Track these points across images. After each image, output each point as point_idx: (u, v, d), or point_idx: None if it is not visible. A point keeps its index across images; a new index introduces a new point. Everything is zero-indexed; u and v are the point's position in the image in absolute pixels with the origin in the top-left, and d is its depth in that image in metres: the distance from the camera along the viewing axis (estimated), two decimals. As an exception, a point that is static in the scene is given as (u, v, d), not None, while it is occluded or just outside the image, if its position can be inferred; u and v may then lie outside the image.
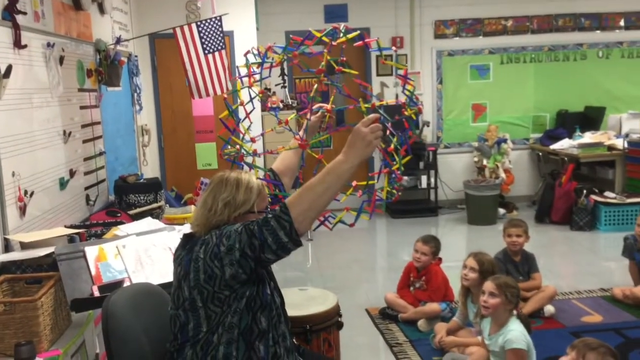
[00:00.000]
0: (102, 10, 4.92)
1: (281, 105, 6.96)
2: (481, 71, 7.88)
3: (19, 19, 3.18)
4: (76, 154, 4.12)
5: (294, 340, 2.37)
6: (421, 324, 4.13)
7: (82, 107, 4.28)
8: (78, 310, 2.45)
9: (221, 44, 5.26)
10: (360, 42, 2.24)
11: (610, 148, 6.90)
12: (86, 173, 4.31)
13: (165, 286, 2.37)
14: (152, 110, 6.68)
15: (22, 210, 3.16)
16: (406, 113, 2.28)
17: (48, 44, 3.63)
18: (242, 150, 2.46)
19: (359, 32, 2.27)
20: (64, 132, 3.89)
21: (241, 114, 2.48)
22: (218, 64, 5.26)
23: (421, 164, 7.44)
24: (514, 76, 7.89)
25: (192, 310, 2.00)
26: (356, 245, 6.55)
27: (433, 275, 4.26)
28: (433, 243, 4.31)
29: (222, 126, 2.43)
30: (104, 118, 4.79)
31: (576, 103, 7.84)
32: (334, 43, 2.23)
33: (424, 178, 7.53)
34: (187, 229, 2.40)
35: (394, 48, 2.54)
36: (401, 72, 2.32)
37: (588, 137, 7.15)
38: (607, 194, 6.57)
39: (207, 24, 5.19)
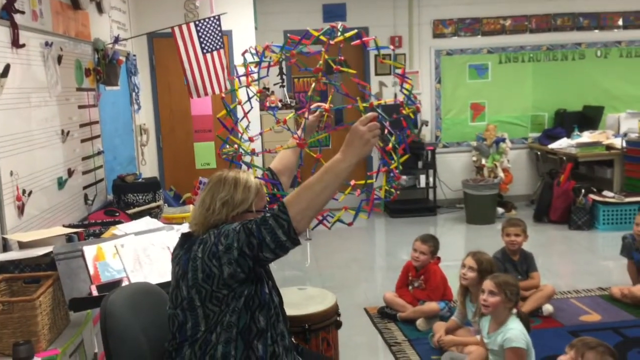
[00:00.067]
0: (100, 9, 4.92)
1: (280, 104, 6.96)
2: (480, 70, 7.88)
3: (17, 18, 3.17)
4: (74, 154, 4.11)
5: (293, 339, 2.37)
6: (420, 323, 4.13)
7: (80, 107, 4.27)
8: (76, 309, 2.45)
9: (219, 43, 5.25)
10: (357, 41, 2.24)
11: (609, 147, 6.90)
12: (84, 172, 4.31)
13: (163, 285, 2.37)
14: (150, 109, 6.68)
15: (20, 210, 3.16)
16: (404, 112, 2.28)
17: (46, 43, 3.63)
18: (241, 150, 2.46)
19: (356, 31, 2.27)
20: (62, 131, 3.88)
21: (239, 113, 2.48)
22: (216, 63, 5.26)
23: (420, 164, 7.44)
24: (512, 75, 7.89)
25: (190, 309, 2.00)
26: (355, 245, 6.55)
27: (432, 275, 4.26)
28: (432, 242, 4.31)
29: (221, 125, 2.43)
30: (102, 117, 4.79)
31: (574, 102, 7.84)
32: (331, 42, 2.23)
33: (422, 177, 7.53)
34: (185, 228, 2.40)
35: (391, 47, 2.54)
36: (399, 71, 2.32)
37: (586, 137, 7.15)
38: (605, 193, 6.57)
39: (205, 24, 5.18)
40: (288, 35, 2.43)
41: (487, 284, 3.23)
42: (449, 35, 7.82)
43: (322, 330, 2.86)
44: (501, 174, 7.32)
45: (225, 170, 2.18)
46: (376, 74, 7.78)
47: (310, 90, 2.38)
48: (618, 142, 6.84)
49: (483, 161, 7.45)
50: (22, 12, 3.27)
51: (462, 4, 7.74)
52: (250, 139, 2.50)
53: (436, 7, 7.74)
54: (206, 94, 5.31)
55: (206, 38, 5.18)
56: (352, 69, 2.30)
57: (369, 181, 2.33)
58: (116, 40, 5.08)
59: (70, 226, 3.49)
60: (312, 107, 2.58)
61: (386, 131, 2.31)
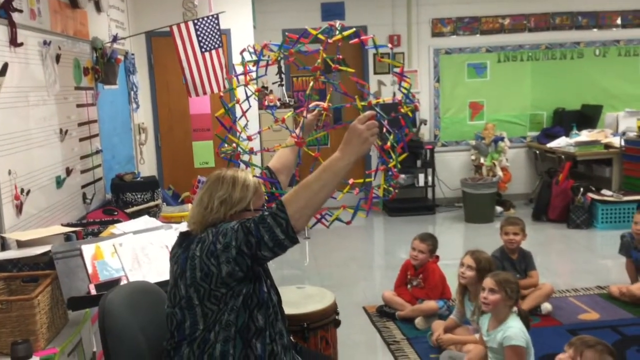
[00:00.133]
0: (98, 8, 4.91)
1: (278, 103, 6.96)
2: (478, 69, 7.88)
3: (15, 16, 3.17)
4: (73, 152, 4.11)
5: (292, 338, 2.37)
6: (418, 321, 4.13)
7: (78, 105, 4.27)
8: (75, 308, 2.45)
9: (218, 42, 5.25)
10: (356, 40, 2.24)
11: (607, 146, 6.90)
12: (83, 171, 4.30)
13: (162, 284, 2.36)
14: (149, 108, 6.68)
15: (19, 209, 3.15)
16: (402, 110, 2.28)
17: (44, 42, 3.62)
18: (239, 149, 2.46)
19: (354, 29, 2.27)
20: (61, 130, 3.88)
21: (238, 112, 2.48)
22: (215, 62, 5.25)
23: (418, 162, 7.45)
24: (511, 74, 7.90)
25: (188, 308, 1.99)
26: (353, 244, 6.55)
27: (430, 273, 4.26)
28: (430, 241, 4.31)
29: (219, 124, 2.43)
30: (100, 116, 4.79)
31: (573, 101, 7.84)
32: (329, 41, 2.23)
33: (421, 176, 7.53)
34: (183, 227, 2.39)
35: (389, 46, 2.55)
36: (397, 69, 2.32)
37: (585, 135, 7.15)
38: (604, 192, 6.58)
39: (204, 22, 5.18)
40: (286, 34, 2.43)
41: (488, 282, 3.23)
42: (447, 34, 7.82)
43: (321, 329, 2.86)
44: (500, 173, 7.32)
45: (224, 169, 2.18)
46: (375, 73, 7.77)
47: (308, 89, 2.38)
48: (616, 141, 6.84)
49: (482, 160, 7.46)
50: (20, 11, 3.26)
51: (461, 3, 7.74)
52: (249, 138, 2.50)
53: (435, 5, 7.74)
54: (205, 92, 5.31)
55: (205, 37, 5.18)
56: (351, 67, 2.30)
57: (367, 180, 2.33)
58: (114, 39, 5.08)
59: (68, 225, 3.49)
60: (310, 106, 2.58)
61: (384, 130, 2.31)
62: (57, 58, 3.83)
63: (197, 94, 5.30)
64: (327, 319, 2.89)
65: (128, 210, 4.25)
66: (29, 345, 2.13)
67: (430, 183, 7.58)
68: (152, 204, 4.47)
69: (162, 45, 6.47)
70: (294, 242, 1.89)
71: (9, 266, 2.69)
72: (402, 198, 7.54)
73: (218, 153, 2.50)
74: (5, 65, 3.06)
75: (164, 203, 5.01)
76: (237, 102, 2.44)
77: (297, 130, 2.56)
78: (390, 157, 2.28)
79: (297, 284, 3.62)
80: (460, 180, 7.36)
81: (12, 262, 2.70)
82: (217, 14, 5.26)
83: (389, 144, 2.30)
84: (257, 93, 2.61)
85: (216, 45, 5.23)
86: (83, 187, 4.29)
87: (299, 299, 2.99)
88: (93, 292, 2.45)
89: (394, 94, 7.49)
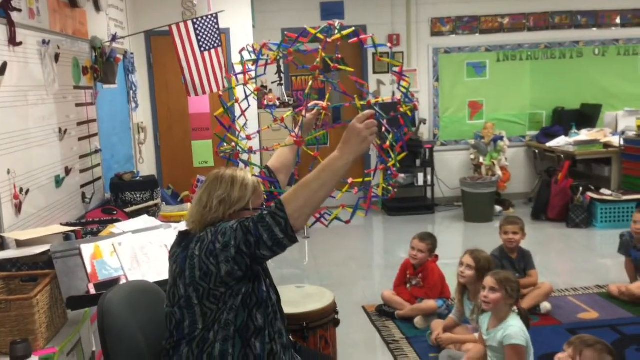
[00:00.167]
0: (97, 7, 4.91)
1: (278, 103, 6.96)
2: (478, 69, 7.88)
3: (14, 16, 3.17)
4: (72, 152, 4.11)
5: (291, 337, 2.37)
6: (418, 321, 4.13)
7: (77, 105, 4.27)
8: (74, 308, 2.45)
9: (217, 41, 5.25)
10: (355, 39, 2.24)
11: (607, 145, 6.91)
12: (82, 171, 4.30)
13: (161, 284, 2.36)
14: (148, 107, 6.68)
15: (18, 208, 3.15)
16: (401, 110, 2.28)
17: (43, 41, 3.62)
18: (238, 148, 2.46)
19: (353, 28, 2.26)
20: (60, 129, 3.88)
21: (237, 111, 2.48)
22: (214, 61, 5.25)
23: (418, 162, 7.45)
24: (510, 74, 7.90)
25: (187, 307, 1.99)
26: (353, 243, 6.55)
27: (430, 273, 4.26)
28: (429, 240, 4.31)
29: (218, 124, 2.43)
30: (99, 116, 4.78)
31: (572, 100, 7.85)
32: (328, 40, 2.23)
33: (420, 175, 7.54)
34: (183, 226, 2.39)
35: (389, 45, 2.54)
36: (397, 69, 2.32)
37: (584, 135, 7.16)
38: (603, 191, 6.58)
39: (203, 22, 5.18)
40: (285, 33, 2.43)
41: (488, 281, 3.23)
42: (447, 33, 7.82)
43: (320, 328, 2.86)
44: (499, 172, 7.32)
45: (223, 168, 2.18)
46: (374, 72, 7.77)
47: (307, 88, 2.38)
48: (616, 140, 6.85)
49: (481, 159, 7.46)
50: (19, 10, 3.26)
51: (460, 2, 7.74)
52: (248, 137, 2.50)
53: (434, 5, 7.74)
54: (204, 92, 5.31)
55: (204, 36, 5.18)
56: (350, 67, 2.29)
57: (366, 179, 2.33)
58: (114, 38, 5.07)
59: (67, 224, 3.48)
60: (309, 105, 2.58)
61: (384, 129, 2.31)
62: (56, 57, 3.82)
63: (196, 94, 5.30)
64: (327, 318, 2.89)
65: (127, 210, 4.25)
66: (28, 345, 2.13)
67: (429, 182, 7.58)
68: (151, 203, 4.47)
69: (161, 45, 6.47)
70: (293, 241, 1.89)
71: (8, 266, 2.69)
72: (401, 197, 7.54)
73: (217, 152, 2.50)
74: (4, 65, 3.06)
75: (163, 202, 5.01)
76: (236, 101, 2.43)
77: (296, 130, 2.55)
78: (390, 157, 2.27)
79: (296, 283, 3.62)
80: (459, 179, 7.36)
81: (11, 262, 2.70)
82: (217, 13, 5.26)
83: (388, 143, 2.30)
84: (256, 92, 2.61)
85: (215, 45, 5.23)
86: (82, 186, 4.29)
87: (298, 298, 2.99)
88: (92, 291, 2.45)
89: (393, 93, 7.48)
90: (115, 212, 4.14)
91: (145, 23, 6.08)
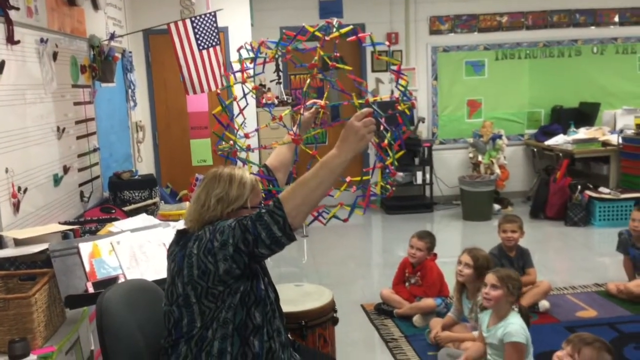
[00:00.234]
0: (95, 5, 4.90)
1: (276, 101, 6.95)
2: (476, 67, 7.88)
3: (12, 14, 3.16)
4: (70, 150, 4.11)
5: (289, 335, 2.37)
6: (416, 319, 4.14)
7: (75, 103, 4.26)
8: (72, 306, 2.44)
9: (216, 39, 5.25)
10: (353, 37, 2.24)
11: (605, 144, 6.91)
12: (80, 169, 4.30)
13: (160, 282, 2.36)
14: (146, 106, 6.67)
15: (16, 207, 3.15)
16: (399, 108, 2.28)
17: (41, 40, 3.62)
18: (236, 146, 2.45)
19: (351, 27, 2.26)
20: (58, 128, 3.87)
21: (236, 109, 2.47)
22: (213, 60, 5.25)
23: (416, 160, 7.45)
24: (509, 72, 7.90)
25: (186, 306, 1.99)
26: (351, 242, 6.56)
27: (428, 271, 4.27)
28: (428, 239, 4.31)
29: (217, 122, 2.43)
30: (98, 114, 4.78)
31: (571, 99, 7.85)
32: (327, 38, 2.23)
33: (419, 174, 7.54)
34: (181, 225, 2.39)
35: (387, 43, 2.52)
36: (395, 67, 2.32)
37: (583, 133, 7.16)
38: (601, 189, 6.58)
39: (201, 20, 5.17)
40: (283, 31, 2.42)
41: (490, 278, 3.23)
42: (445, 31, 7.82)
43: (319, 327, 2.86)
44: (497, 171, 7.33)
45: (221, 166, 2.18)
46: (373, 71, 7.77)
47: (305, 86, 2.38)
48: (614, 139, 6.85)
49: (479, 158, 7.46)
50: (17, 9, 3.26)
51: (459, 1, 7.74)
52: (246, 136, 2.49)
53: (433, 3, 7.73)
54: (202, 90, 5.30)
55: (202, 35, 5.17)
56: (349, 65, 2.29)
57: (364, 178, 2.33)
58: (112, 36, 5.07)
59: (66, 223, 3.48)
60: (308, 103, 2.57)
61: (382, 127, 2.31)
62: (54, 56, 3.82)
63: (194, 92, 5.29)
64: (325, 317, 2.89)
65: (126, 208, 4.24)
66: (26, 344, 2.13)
67: (428, 181, 7.58)
68: (149, 202, 4.47)
69: (159, 43, 6.46)
70: (291, 239, 1.89)
71: (6, 264, 2.69)
72: (400, 196, 7.54)
73: (215, 151, 2.50)
74: (2, 63, 3.06)
75: (162, 201, 5.01)
76: (235, 99, 2.43)
77: (295, 128, 2.55)
78: (388, 155, 2.27)
79: (295, 281, 3.62)
80: (458, 178, 7.36)
81: (10, 261, 2.70)
82: (215, 12, 5.26)
83: (386, 141, 2.30)
84: (254, 91, 2.61)
85: (214, 43, 5.23)
86: (80, 185, 4.29)
87: (297, 296, 2.99)
88: (90, 290, 2.45)
89: (392, 92, 7.48)
90: (113, 211, 4.14)
91: (143, 21, 6.07)
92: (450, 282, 4.12)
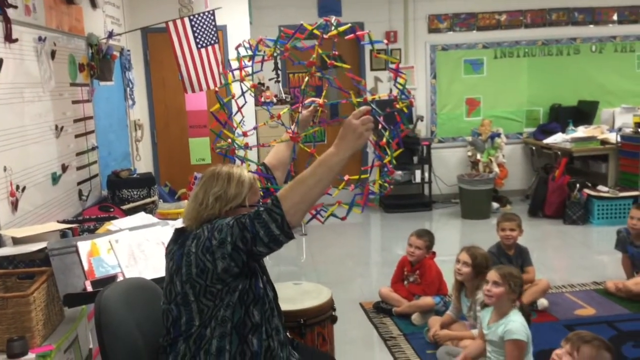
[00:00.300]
0: (94, 4, 4.90)
1: (275, 100, 6.95)
2: (475, 66, 7.88)
3: (10, 12, 3.16)
4: (68, 149, 4.10)
5: (288, 334, 2.37)
6: (415, 317, 4.14)
7: (74, 102, 4.26)
8: (71, 305, 2.44)
9: (214, 38, 5.24)
10: (351, 35, 2.24)
11: (604, 142, 6.92)
12: (79, 168, 4.30)
13: (158, 281, 2.36)
14: (144, 105, 6.66)
15: (14, 206, 3.14)
16: (398, 106, 2.28)
17: (39, 38, 3.61)
18: (234, 144, 2.45)
19: (350, 25, 2.26)
20: (56, 126, 3.87)
21: (234, 108, 2.47)
22: (211, 58, 5.24)
23: (415, 159, 7.45)
24: (507, 70, 7.90)
25: (184, 304, 1.99)
26: (350, 240, 6.56)
27: (427, 269, 4.27)
28: (427, 237, 4.31)
29: (215, 120, 2.42)
30: (96, 113, 4.77)
31: (569, 97, 7.86)
32: (325, 36, 2.23)
33: (417, 172, 7.55)
34: (179, 223, 2.39)
35: (385, 41, 2.51)
36: (393, 65, 2.32)
37: (581, 131, 7.16)
38: (600, 187, 6.59)
39: (200, 18, 5.16)
40: (282, 29, 2.42)
41: (492, 275, 3.23)
42: (444, 30, 7.82)
43: (318, 325, 2.86)
44: (496, 169, 7.33)
45: (219, 165, 2.18)
46: (371, 69, 7.77)
47: (303, 84, 2.38)
48: (613, 137, 6.85)
49: (478, 156, 7.46)
50: (15, 7, 3.25)
51: (458, -1, 7.75)
52: (244, 134, 2.49)
53: (431, 2, 7.73)
54: (201, 89, 5.30)
55: (201, 33, 5.17)
56: (347, 64, 2.29)
57: (362, 176, 2.33)
58: (110, 35, 5.06)
59: (64, 222, 3.47)
60: (306, 102, 2.57)
61: (380, 126, 2.30)
62: (53, 54, 3.81)
63: (193, 90, 5.29)
64: (324, 315, 2.89)
65: (124, 207, 4.24)
66: (24, 342, 2.12)
67: (426, 179, 7.58)
68: (148, 200, 4.47)
69: (158, 42, 6.45)
70: (290, 237, 1.89)
71: (5, 263, 2.68)
72: (398, 194, 7.54)
73: (214, 149, 2.50)
74: (0, 62, 3.05)
75: (160, 200, 5.00)
76: (233, 97, 2.43)
77: (293, 126, 2.55)
78: (386, 153, 2.27)
79: (293, 280, 3.62)
80: (456, 176, 7.36)
81: (8, 259, 2.69)
82: (213, 10, 5.25)
83: (384, 140, 2.30)
84: (253, 89, 2.61)
85: (212, 42, 5.22)
86: (79, 183, 4.28)
87: (295, 295, 2.99)
88: (89, 288, 2.45)
89: (391, 90, 7.49)
90: (112, 210, 4.13)
91: (141, 20, 6.06)
92: (449, 281, 4.12)
